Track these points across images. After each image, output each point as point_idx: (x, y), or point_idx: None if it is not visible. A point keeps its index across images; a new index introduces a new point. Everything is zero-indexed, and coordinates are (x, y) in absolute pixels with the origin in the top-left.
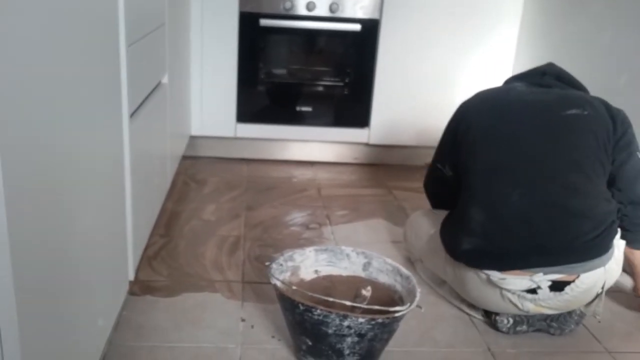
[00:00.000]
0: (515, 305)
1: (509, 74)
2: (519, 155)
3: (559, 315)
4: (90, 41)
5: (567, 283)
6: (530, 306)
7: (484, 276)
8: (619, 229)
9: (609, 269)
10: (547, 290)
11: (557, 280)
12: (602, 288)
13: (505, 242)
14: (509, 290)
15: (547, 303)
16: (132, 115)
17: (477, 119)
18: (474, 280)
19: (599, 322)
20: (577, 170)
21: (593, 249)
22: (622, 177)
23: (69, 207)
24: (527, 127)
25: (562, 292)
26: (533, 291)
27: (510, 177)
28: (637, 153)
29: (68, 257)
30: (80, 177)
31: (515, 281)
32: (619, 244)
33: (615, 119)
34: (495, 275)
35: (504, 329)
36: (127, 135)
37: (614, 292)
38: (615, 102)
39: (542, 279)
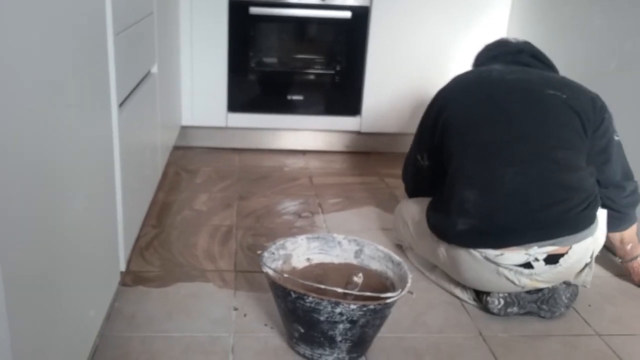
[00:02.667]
0: (512, 282)
1: None
2: (510, 134)
3: (549, 297)
4: (77, 30)
5: (561, 255)
6: (526, 281)
7: (478, 255)
8: (600, 200)
9: (596, 238)
10: (543, 263)
11: (552, 253)
12: (591, 257)
13: (501, 219)
14: (505, 267)
15: (542, 277)
16: (120, 105)
17: (460, 102)
18: (468, 260)
19: (590, 305)
20: (565, 147)
21: (583, 221)
22: (609, 162)
23: (57, 199)
24: (514, 106)
25: (557, 265)
26: (529, 266)
27: (502, 156)
28: (615, 136)
29: (57, 249)
30: (69, 168)
31: (512, 256)
32: (601, 214)
33: (595, 101)
34: (491, 252)
35: (494, 310)
36: (116, 125)
37: (603, 276)
38: (606, 86)
39: (538, 252)
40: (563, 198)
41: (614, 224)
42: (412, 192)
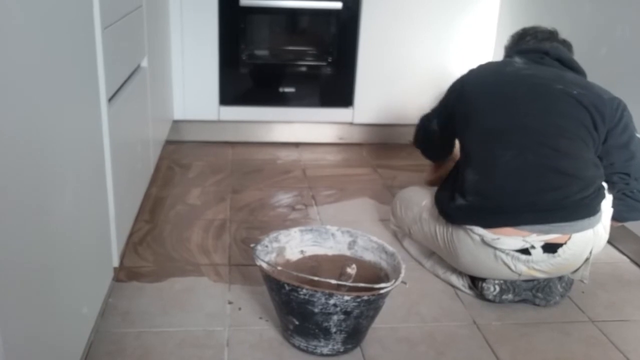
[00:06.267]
0: (508, 267)
1: (491, 47)
2: (513, 121)
3: (545, 285)
4: (64, 25)
5: (560, 245)
6: (522, 268)
7: (477, 237)
8: (606, 193)
9: (597, 233)
10: (541, 251)
11: (550, 242)
12: (590, 252)
13: (497, 199)
14: (502, 251)
15: (540, 266)
16: (110, 99)
17: (473, 90)
18: (467, 243)
19: (583, 291)
20: (567, 137)
21: (582, 209)
22: (634, 158)
23: (47, 196)
24: (521, 96)
25: (555, 254)
26: (527, 252)
27: (503, 141)
28: (636, 133)
29: (48, 246)
30: (58, 164)
31: (509, 241)
32: (605, 210)
33: (611, 101)
34: (488, 235)
35: (490, 297)
36: (105, 120)
37: (595, 263)
38: (595, 73)
39: (535, 240)
40: (560, 184)
41: (639, 215)
42: (423, 151)
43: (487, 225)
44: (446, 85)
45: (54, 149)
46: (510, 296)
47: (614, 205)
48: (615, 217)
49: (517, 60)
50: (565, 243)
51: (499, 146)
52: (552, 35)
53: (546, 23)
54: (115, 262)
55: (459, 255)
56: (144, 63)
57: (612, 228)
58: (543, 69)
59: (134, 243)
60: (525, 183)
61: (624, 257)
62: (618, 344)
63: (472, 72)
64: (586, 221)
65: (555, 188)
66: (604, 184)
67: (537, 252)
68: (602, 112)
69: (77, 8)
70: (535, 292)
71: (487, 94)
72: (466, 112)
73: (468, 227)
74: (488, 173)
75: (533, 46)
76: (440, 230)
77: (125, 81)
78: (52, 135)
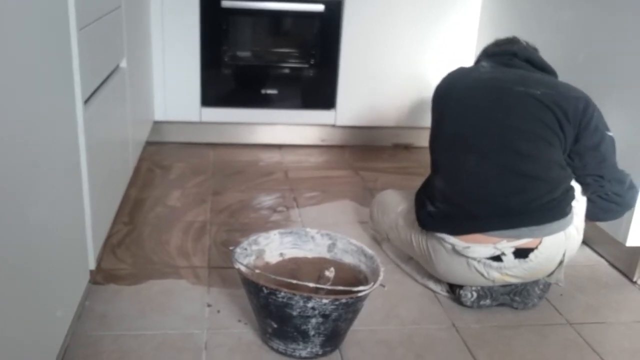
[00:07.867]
0: (482, 274)
1: (472, 51)
2: (473, 127)
3: (522, 289)
4: (38, 25)
5: (531, 250)
6: (495, 275)
7: (449, 246)
8: (575, 195)
9: (569, 235)
10: (512, 257)
11: (521, 248)
12: (564, 255)
13: (463, 205)
14: (474, 259)
15: (513, 271)
16: (86, 101)
17: (440, 98)
18: (441, 252)
19: (562, 294)
20: (528, 139)
21: (550, 212)
22: (605, 159)
23: (21, 197)
24: (480, 101)
25: (527, 259)
26: (498, 259)
27: (465, 146)
28: (607, 132)
29: (22, 248)
30: (32, 166)
31: (479, 249)
32: (578, 212)
33: (578, 100)
34: (459, 244)
35: (467, 303)
36: (81, 122)
37: (574, 265)
38: (574, 78)
39: (506, 246)
40: (524, 187)
41: (613, 216)
42: None
43: (456, 232)
44: (427, 88)
45: (28, 150)
46: (487, 302)
47: (588, 207)
48: (589, 217)
49: (484, 64)
50: (536, 248)
51: (461, 152)
52: (510, 41)
53: (526, 26)
54: (92, 265)
55: (435, 264)
56: (123, 64)
57: (587, 229)
58: (507, 71)
59: (112, 245)
60: (489, 188)
61: (602, 260)
62: (595, 346)
63: (443, 81)
64: (555, 224)
65: (520, 191)
66: (577, 185)
67: (509, 259)
68: (565, 110)
69: (51, 9)
70: (513, 296)
71: (452, 101)
72: (435, 121)
73: (439, 235)
74: (453, 179)
75: (500, 49)
76: (415, 239)
77: (103, 82)
78: (25, 137)
